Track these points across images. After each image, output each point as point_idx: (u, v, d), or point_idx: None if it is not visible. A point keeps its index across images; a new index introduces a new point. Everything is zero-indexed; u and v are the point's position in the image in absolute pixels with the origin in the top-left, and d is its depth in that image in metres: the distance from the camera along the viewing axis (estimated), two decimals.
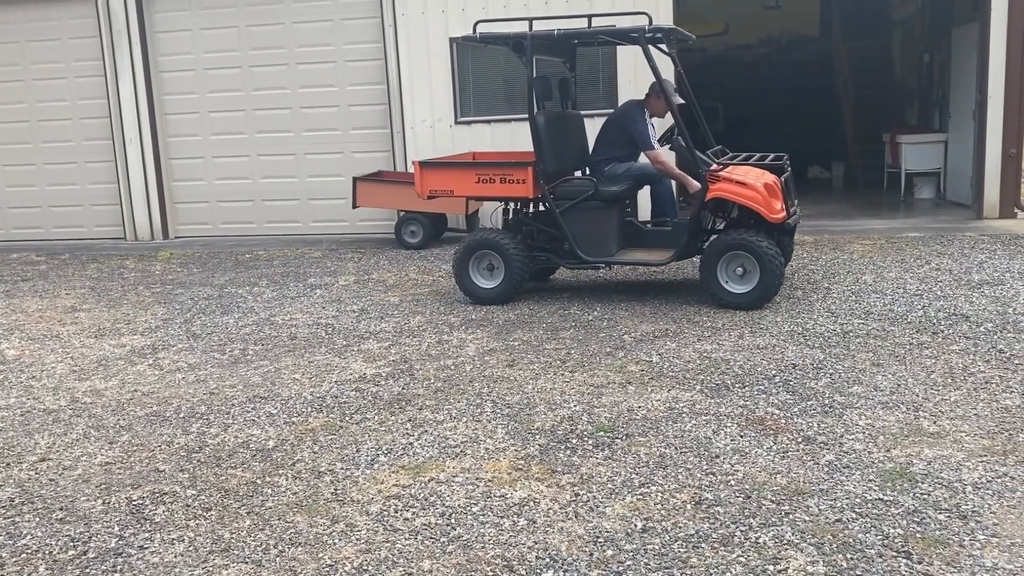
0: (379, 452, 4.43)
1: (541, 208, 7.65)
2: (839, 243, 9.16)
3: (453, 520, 3.66)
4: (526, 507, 3.72)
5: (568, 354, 5.88)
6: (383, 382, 5.54)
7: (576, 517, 3.60)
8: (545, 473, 4.04)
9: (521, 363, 5.75)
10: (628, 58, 10.31)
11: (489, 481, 3.99)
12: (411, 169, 10.89)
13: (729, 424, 4.50)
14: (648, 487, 3.83)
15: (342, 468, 4.26)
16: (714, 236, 7.31)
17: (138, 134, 11.79)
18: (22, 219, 12.51)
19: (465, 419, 4.80)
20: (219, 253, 10.74)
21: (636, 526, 3.49)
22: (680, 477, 3.91)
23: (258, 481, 4.17)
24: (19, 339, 7.20)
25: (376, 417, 4.92)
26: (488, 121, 10.95)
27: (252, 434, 4.79)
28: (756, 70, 16.10)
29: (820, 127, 14.23)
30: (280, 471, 4.27)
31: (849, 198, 12.52)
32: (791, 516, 3.51)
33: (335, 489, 4.03)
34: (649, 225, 7.54)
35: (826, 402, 4.76)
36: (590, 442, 4.37)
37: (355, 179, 10.43)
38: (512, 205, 7.72)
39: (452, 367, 5.76)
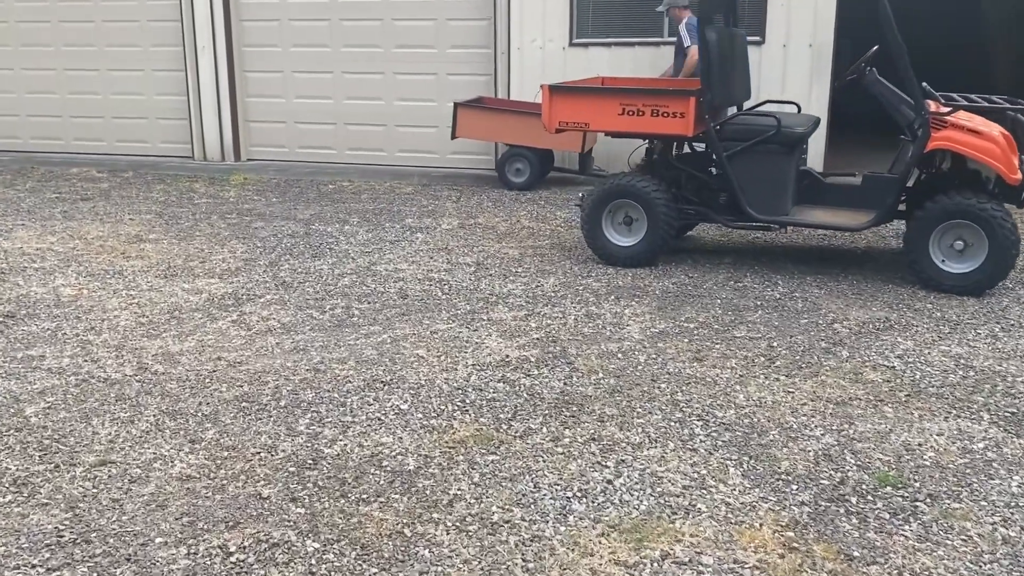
0: (569, 492, 3.09)
1: (688, 149, 6.19)
2: None
3: None
4: None
5: (771, 347, 4.47)
6: (535, 371, 4.19)
7: None
8: (839, 560, 2.68)
9: (711, 356, 4.36)
10: None
11: (757, 568, 2.65)
12: (517, 97, 9.43)
13: None
14: None
15: (523, 518, 2.93)
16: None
17: (211, 41, 10.37)
18: (83, 129, 11.24)
19: (672, 445, 3.44)
20: (298, 181, 9.40)
21: None
22: None
23: (407, 531, 2.86)
24: (76, 274, 5.96)
25: (544, 429, 3.58)
26: (608, 44, 9.35)
27: (382, 443, 3.48)
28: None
29: (964, 74, 12.36)
30: (434, 514, 2.96)
31: None
32: None
33: (524, 557, 2.71)
34: (831, 177, 6.03)
35: None
36: (880, 504, 2.98)
37: (456, 105, 8.95)
38: (656, 144, 6.24)
39: (619, 355, 4.39)
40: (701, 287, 5.49)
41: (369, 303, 5.30)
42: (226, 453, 3.41)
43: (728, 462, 3.28)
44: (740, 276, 5.70)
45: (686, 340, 4.58)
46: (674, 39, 8.57)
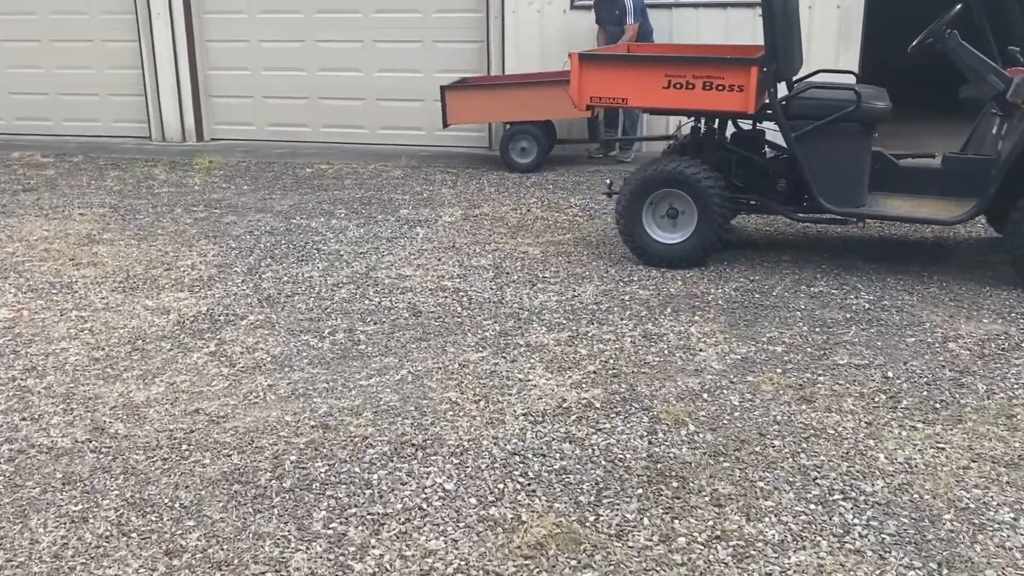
0: None
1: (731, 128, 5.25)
2: None
3: None
4: None
5: (887, 379, 3.58)
6: (605, 422, 3.27)
7: None
8: None
9: (820, 395, 3.46)
10: None
11: None
12: (514, 66, 8.39)
13: None
14: None
15: None
16: None
17: (168, 7, 9.12)
18: (26, 108, 9.95)
19: (826, 543, 2.53)
20: (271, 164, 8.30)
21: None
22: None
23: None
24: (15, 289, 4.88)
25: (646, 521, 2.66)
26: None
27: (431, 550, 2.53)
28: None
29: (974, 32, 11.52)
30: None
31: None
32: None
33: None
34: (906, 159, 5.13)
35: None
36: None
37: (444, 89, 7.86)
38: (703, 122, 5.29)
39: (705, 396, 3.48)
40: (770, 294, 4.59)
41: (376, 323, 4.32)
42: (219, 574, 2.45)
43: (912, 573, 2.39)
44: (810, 279, 4.80)
45: (779, 370, 3.68)
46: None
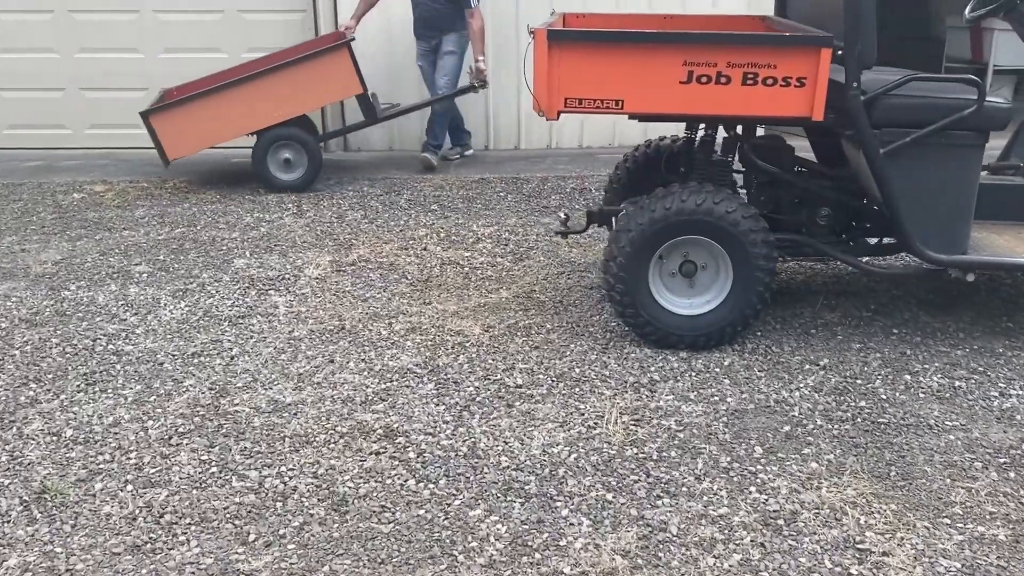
0: None
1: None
2: None
3: None
4: None
5: None
6: None
7: None
8: None
9: None
10: None
11: None
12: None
13: None
14: None
15: None
16: None
17: None
18: None
19: None
20: (18, 189, 5.52)
21: None
22: None
23: None
24: None
25: None
26: None
27: None
28: None
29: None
30: None
31: None
32: None
33: None
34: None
35: None
36: None
37: (146, 115, 5.28)
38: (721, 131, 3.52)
39: None
40: (876, 398, 2.92)
41: (269, 543, 2.20)
42: None
43: None
44: (904, 360, 3.16)
45: None
46: None
